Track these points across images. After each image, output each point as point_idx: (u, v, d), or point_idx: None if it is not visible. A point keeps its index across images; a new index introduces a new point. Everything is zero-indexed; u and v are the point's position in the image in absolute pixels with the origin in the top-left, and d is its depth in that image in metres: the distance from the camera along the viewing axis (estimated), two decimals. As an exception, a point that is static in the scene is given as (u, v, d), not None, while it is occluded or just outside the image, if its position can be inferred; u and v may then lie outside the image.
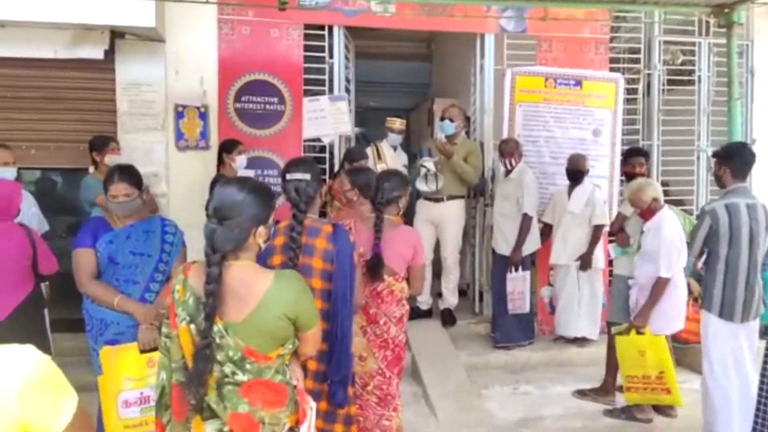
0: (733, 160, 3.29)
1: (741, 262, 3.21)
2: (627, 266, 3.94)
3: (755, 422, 2.71)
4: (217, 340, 1.66)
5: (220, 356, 1.67)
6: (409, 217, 5.29)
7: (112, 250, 2.70)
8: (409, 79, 9.10)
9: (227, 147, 4.27)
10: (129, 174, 2.76)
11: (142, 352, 2.66)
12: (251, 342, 1.67)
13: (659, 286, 3.55)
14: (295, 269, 2.23)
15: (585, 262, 4.60)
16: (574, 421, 3.87)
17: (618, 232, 4.14)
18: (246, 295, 1.68)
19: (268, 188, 1.85)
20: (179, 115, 4.62)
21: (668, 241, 3.54)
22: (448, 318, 5.07)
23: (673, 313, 3.69)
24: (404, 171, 5.26)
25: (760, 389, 2.67)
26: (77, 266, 2.70)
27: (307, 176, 2.40)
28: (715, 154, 3.49)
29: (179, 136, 4.63)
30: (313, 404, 1.85)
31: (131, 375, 2.60)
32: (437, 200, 4.94)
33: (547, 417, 3.92)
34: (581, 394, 4.19)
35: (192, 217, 4.44)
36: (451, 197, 4.94)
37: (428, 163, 4.82)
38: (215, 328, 1.66)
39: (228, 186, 1.76)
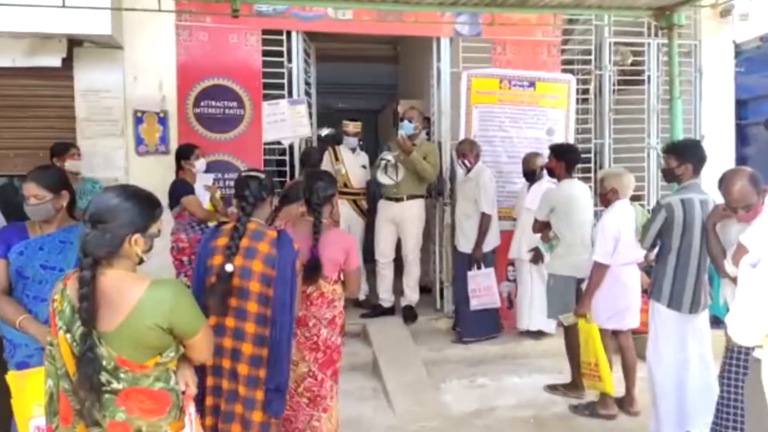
0: (693, 156, 3.41)
1: (692, 255, 3.31)
2: (556, 264, 4.10)
3: (715, 421, 2.78)
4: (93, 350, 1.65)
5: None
6: (371, 217, 5.43)
7: (22, 263, 2.42)
8: (377, 81, 9.21)
9: (184, 152, 4.36)
10: (42, 174, 2.49)
11: None
12: (123, 352, 1.66)
13: (593, 271, 3.69)
14: (233, 270, 2.29)
15: (536, 255, 4.73)
16: (525, 410, 4.00)
17: (540, 230, 4.28)
18: (118, 304, 1.66)
19: (152, 197, 1.81)
20: (138, 121, 4.69)
21: (604, 228, 3.68)
22: (409, 314, 5.20)
23: (615, 307, 3.77)
24: (364, 172, 5.41)
25: (724, 386, 2.73)
26: None
27: (261, 175, 2.48)
28: (671, 150, 3.55)
29: (139, 141, 4.70)
30: (193, 411, 1.83)
31: (41, 401, 2.29)
32: (398, 200, 5.09)
33: (500, 407, 4.06)
34: (552, 388, 4.27)
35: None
36: (411, 197, 5.09)
37: (388, 156, 5.00)
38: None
39: (108, 191, 1.75)
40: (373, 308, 5.28)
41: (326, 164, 5.40)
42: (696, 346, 3.40)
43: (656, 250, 3.52)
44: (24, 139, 4.56)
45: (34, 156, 4.52)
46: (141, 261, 1.77)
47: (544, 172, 4.76)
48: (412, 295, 5.25)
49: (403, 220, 5.12)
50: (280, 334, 2.33)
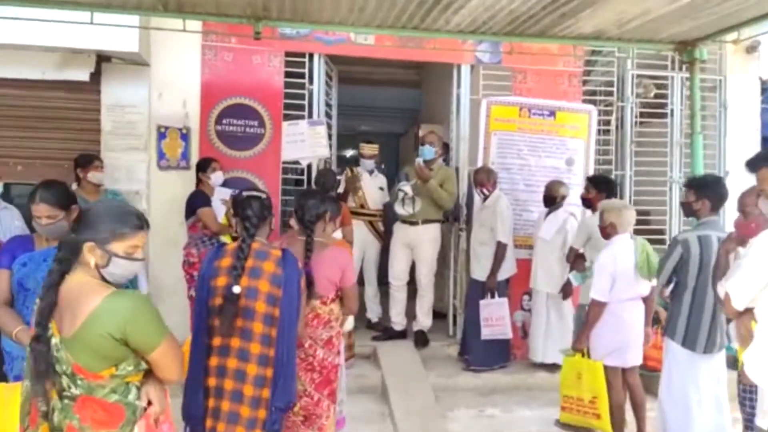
0: (713, 192, 3.35)
1: (708, 293, 3.22)
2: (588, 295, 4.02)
3: None
4: (55, 353, 1.69)
5: (58, 368, 1.69)
6: (387, 239, 5.43)
7: (24, 274, 2.40)
8: (401, 105, 9.27)
9: (202, 166, 4.46)
10: (52, 193, 2.48)
11: None
12: (79, 359, 1.67)
13: (591, 308, 3.63)
14: (239, 291, 2.28)
15: (566, 289, 4.65)
16: (533, 444, 3.92)
17: (574, 260, 4.23)
18: (76, 310, 1.68)
19: (131, 215, 1.83)
20: (161, 136, 4.79)
21: (600, 264, 3.62)
22: (420, 339, 5.15)
23: (613, 343, 3.65)
24: (382, 194, 5.41)
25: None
26: None
27: (262, 195, 2.50)
28: (690, 185, 3.50)
29: (161, 155, 4.79)
30: (143, 428, 1.78)
31: None
32: (413, 223, 5.05)
33: (508, 440, 3.98)
34: (563, 425, 4.09)
35: (172, 234, 4.62)
36: (426, 221, 5.05)
37: (405, 187, 4.95)
38: (53, 341, 1.69)
39: (101, 200, 1.84)
40: (384, 331, 5.25)
41: (343, 185, 5.45)
42: (710, 387, 3.30)
43: (671, 286, 3.46)
44: (50, 149, 4.70)
45: (59, 166, 4.65)
46: (103, 277, 1.77)
47: (564, 201, 4.74)
48: (425, 320, 5.20)
49: (418, 244, 5.09)
50: (287, 353, 2.33)
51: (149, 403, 1.79)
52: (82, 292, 1.70)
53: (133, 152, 4.74)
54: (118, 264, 1.78)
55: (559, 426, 4.15)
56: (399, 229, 5.17)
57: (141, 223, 1.83)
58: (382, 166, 5.76)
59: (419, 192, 4.97)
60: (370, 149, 5.46)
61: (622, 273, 3.58)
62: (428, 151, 5.01)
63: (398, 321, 5.21)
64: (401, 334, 5.20)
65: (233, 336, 2.33)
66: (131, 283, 4.30)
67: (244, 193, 2.56)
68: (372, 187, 5.43)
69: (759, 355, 2.08)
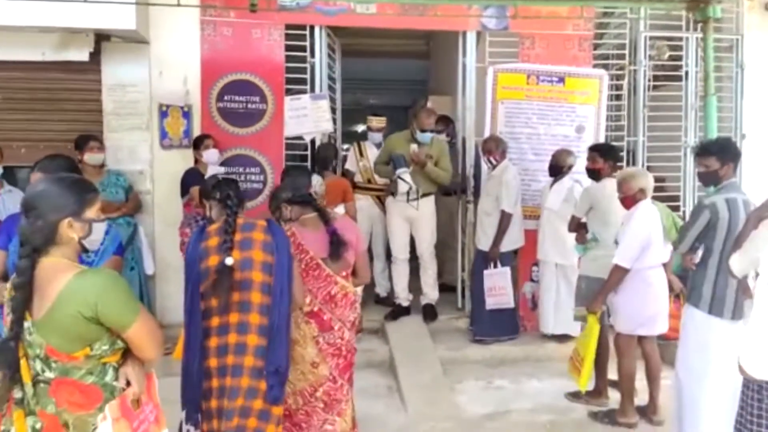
0: (733, 154, 3.24)
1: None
2: (590, 266, 3.95)
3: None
4: (27, 337, 1.66)
5: (31, 353, 1.67)
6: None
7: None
8: (409, 77, 9.17)
9: (196, 143, 4.44)
10: (51, 165, 2.57)
11: None
12: (51, 340, 1.65)
13: (613, 273, 3.53)
14: (233, 263, 2.27)
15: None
16: (541, 415, 3.89)
17: (576, 230, 4.14)
18: (46, 291, 1.66)
19: (83, 181, 1.82)
20: (163, 115, 4.76)
21: (632, 230, 3.50)
22: (429, 313, 5.13)
23: (645, 313, 3.59)
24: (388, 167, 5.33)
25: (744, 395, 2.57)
26: None
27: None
28: (708, 152, 3.28)
29: (163, 134, 4.77)
30: (108, 414, 1.72)
31: None
32: (411, 200, 4.91)
33: (516, 411, 3.95)
34: (574, 396, 4.10)
35: (176, 213, 4.62)
36: (423, 195, 4.95)
37: (405, 176, 4.72)
38: (25, 325, 1.66)
39: (40, 180, 1.76)
40: (393, 309, 5.18)
41: (351, 160, 5.45)
42: (735, 357, 3.17)
43: (699, 253, 3.32)
44: (53, 131, 4.70)
45: (62, 148, 4.60)
46: (84, 249, 1.76)
47: (570, 171, 4.63)
48: (431, 292, 5.17)
49: (416, 218, 5.00)
50: (279, 319, 2.31)
51: (128, 383, 1.77)
52: (51, 273, 1.67)
53: (135, 132, 4.72)
54: (95, 228, 1.79)
55: (569, 397, 4.13)
56: (395, 205, 5.03)
57: (92, 185, 1.85)
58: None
59: (417, 175, 4.83)
60: (378, 122, 5.39)
61: (655, 239, 3.51)
62: (426, 137, 4.88)
63: (404, 296, 5.16)
64: (406, 310, 5.15)
65: (231, 312, 2.31)
66: (137, 264, 4.35)
67: (218, 178, 2.61)
68: None
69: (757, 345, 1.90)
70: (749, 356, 1.81)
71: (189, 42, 4.77)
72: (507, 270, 4.75)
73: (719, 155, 3.22)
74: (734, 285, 3.08)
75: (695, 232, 3.19)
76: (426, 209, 5.00)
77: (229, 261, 2.28)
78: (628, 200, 3.63)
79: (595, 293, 3.68)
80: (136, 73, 4.71)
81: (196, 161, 4.51)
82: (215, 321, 2.33)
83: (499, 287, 4.71)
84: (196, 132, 4.79)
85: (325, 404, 2.76)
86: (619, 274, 3.53)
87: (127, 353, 1.78)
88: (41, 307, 1.65)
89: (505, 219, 4.67)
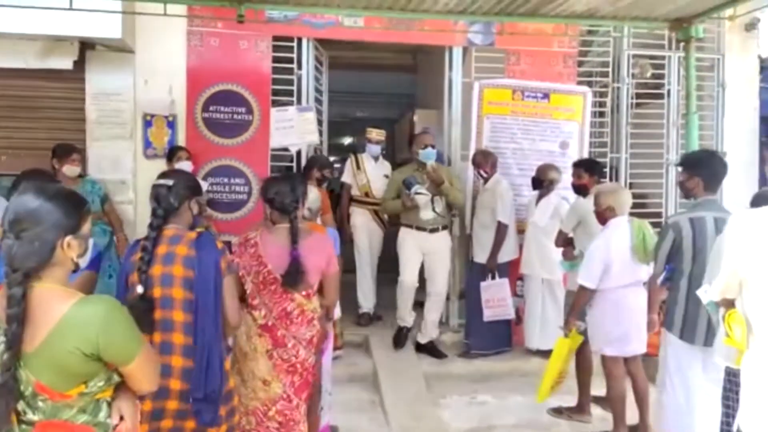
0: (704, 170, 3.10)
1: (705, 280, 3.05)
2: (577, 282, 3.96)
3: None
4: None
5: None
6: (391, 228, 5.26)
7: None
8: (396, 90, 9.20)
9: (169, 155, 4.42)
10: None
11: None
12: (42, 376, 1.44)
13: (578, 294, 3.52)
14: (148, 280, 2.15)
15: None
16: (524, 431, 3.89)
17: (563, 246, 4.16)
18: (40, 322, 1.44)
19: (75, 194, 1.64)
20: (147, 124, 4.72)
21: (591, 250, 3.48)
22: (435, 351, 4.88)
23: (613, 333, 3.52)
24: (386, 181, 5.18)
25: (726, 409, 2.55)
26: None
27: (170, 182, 2.31)
28: (682, 163, 3.29)
29: (147, 144, 4.74)
30: None
31: None
32: (432, 231, 4.73)
33: (499, 426, 3.94)
34: (556, 412, 4.10)
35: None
36: (444, 227, 4.82)
37: (422, 191, 4.56)
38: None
39: (24, 194, 1.51)
40: (397, 335, 4.88)
41: (348, 173, 5.39)
42: (711, 382, 3.03)
43: (663, 274, 3.30)
44: (35, 140, 4.62)
45: (45, 156, 4.55)
46: (77, 267, 1.58)
47: (553, 185, 4.66)
48: (432, 331, 4.91)
49: (435, 251, 4.76)
50: (203, 339, 2.16)
51: (121, 418, 1.60)
52: (45, 302, 1.47)
53: (118, 141, 4.67)
54: (89, 244, 1.63)
55: (551, 413, 4.12)
56: (413, 236, 4.75)
57: (82, 196, 1.67)
58: (384, 152, 5.59)
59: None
60: (378, 134, 5.35)
61: (617, 258, 3.42)
62: (430, 153, 4.66)
63: (409, 319, 4.90)
64: (409, 331, 4.94)
65: (154, 331, 2.18)
66: (115, 272, 4.26)
67: (154, 182, 2.40)
68: (376, 175, 5.28)
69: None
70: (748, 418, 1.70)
71: (175, 51, 4.75)
72: (505, 281, 4.75)
73: (686, 167, 3.17)
74: (706, 310, 3.01)
75: (663, 252, 3.12)
76: (442, 243, 4.80)
77: (139, 289, 2.15)
78: (599, 216, 3.61)
79: (567, 316, 3.69)
80: (121, 82, 4.67)
81: None
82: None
83: (498, 299, 4.71)
84: (181, 142, 4.76)
85: (280, 425, 2.62)
86: (583, 294, 3.49)
87: (119, 385, 1.61)
88: (33, 340, 1.44)
89: (501, 230, 4.68)
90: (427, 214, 4.62)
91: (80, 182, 4.24)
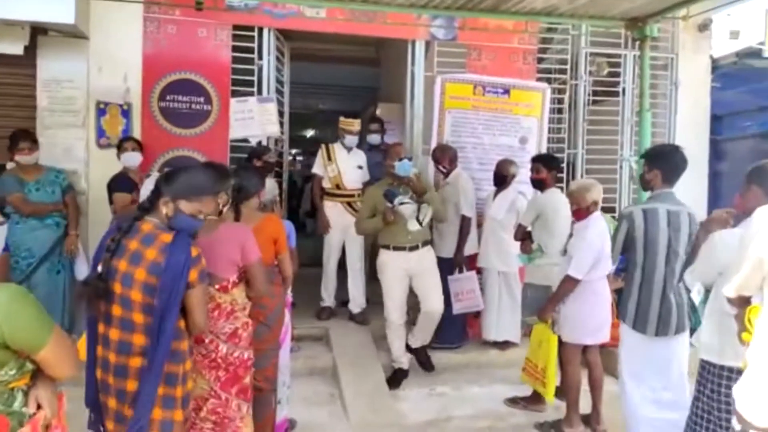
0: (665, 163, 3.14)
1: (657, 272, 3.08)
2: (535, 274, 4.04)
3: None
4: None
5: None
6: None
7: None
8: (359, 83, 9.17)
9: (118, 146, 4.32)
10: None
11: None
12: None
13: (564, 284, 3.52)
14: (111, 270, 2.08)
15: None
16: (481, 421, 3.93)
17: (522, 239, 4.22)
18: None
19: None
20: (101, 113, 4.60)
21: (588, 242, 3.47)
22: (425, 363, 4.62)
23: (592, 323, 3.59)
24: (361, 172, 5.11)
25: (695, 408, 2.56)
26: None
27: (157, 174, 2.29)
28: (644, 156, 3.35)
29: (100, 133, 4.61)
30: None
31: None
32: (413, 249, 4.21)
33: (457, 417, 3.98)
34: (512, 402, 4.17)
35: (111, 215, 4.45)
36: (426, 242, 4.31)
37: (407, 200, 4.07)
38: None
39: None
40: (393, 377, 4.44)
41: (318, 164, 5.13)
42: (666, 373, 3.14)
43: (616, 265, 3.41)
44: (-18, 127, 4.45)
45: (-9, 143, 4.43)
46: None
47: (514, 180, 4.73)
48: (425, 338, 4.54)
49: (421, 271, 4.25)
50: (154, 354, 2.03)
51: (39, 407, 1.58)
52: None
53: (70, 129, 4.53)
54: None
55: (508, 403, 4.20)
56: (393, 258, 4.23)
57: None
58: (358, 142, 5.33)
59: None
60: (358, 125, 5.11)
61: (606, 251, 3.47)
62: (407, 166, 4.11)
63: (403, 359, 4.44)
64: (407, 373, 4.49)
65: (112, 326, 2.11)
66: (63, 268, 4.16)
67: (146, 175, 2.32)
68: (349, 166, 5.05)
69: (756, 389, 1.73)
70: (748, 402, 1.68)
71: (131, 38, 4.63)
72: (473, 274, 4.77)
73: (648, 160, 3.23)
74: (657, 301, 3.06)
75: (619, 243, 3.18)
76: (427, 260, 4.31)
77: (99, 269, 2.08)
78: (582, 212, 3.62)
79: (545, 302, 3.70)
80: (74, 69, 4.53)
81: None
82: (101, 328, 2.15)
83: (467, 291, 4.71)
84: (136, 131, 4.65)
85: (215, 423, 2.52)
86: (570, 285, 3.52)
87: (37, 373, 1.59)
88: None
89: (466, 223, 4.68)
90: (413, 225, 4.11)
91: (44, 171, 4.13)
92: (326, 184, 5.08)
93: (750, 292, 1.80)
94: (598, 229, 3.53)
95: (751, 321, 1.75)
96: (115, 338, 2.10)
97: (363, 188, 5.07)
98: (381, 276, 4.32)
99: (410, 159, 4.22)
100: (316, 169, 5.17)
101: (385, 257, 4.27)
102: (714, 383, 2.43)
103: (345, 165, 5.06)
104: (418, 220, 4.07)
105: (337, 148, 5.09)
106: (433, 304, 4.29)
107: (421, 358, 4.58)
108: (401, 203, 4.04)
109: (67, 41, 4.51)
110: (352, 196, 5.05)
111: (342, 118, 5.15)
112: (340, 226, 5.02)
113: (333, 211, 5.04)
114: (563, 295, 3.58)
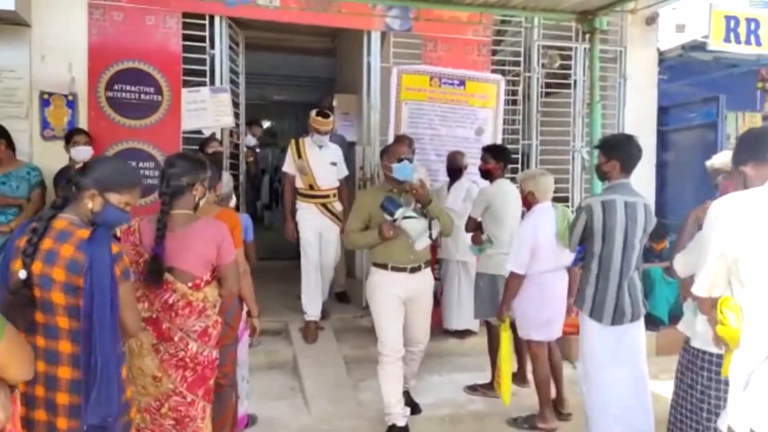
0: (622, 152, 3.15)
1: (614, 262, 3.10)
2: (487, 264, 4.10)
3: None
4: None
5: None
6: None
7: None
8: (315, 74, 9.09)
9: (66, 138, 4.16)
10: None
11: None
12: None
13: (509, 281, 3.58)
14: (30, 279, 1.91)
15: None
16: (441, 409, 3.98)
17: (473, 231, 4.27)
18: None
19: None
20: (45, 103, 4.40)
21: (518, 236, 3.57)
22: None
23: (539, 318, 3.63)
24: (335, 169, 4.84)
25: (690, 398, 2.61)
26: None
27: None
28: (599, 146, 3.33)
29: (45, 125, 4.41)
30: None
31: None
32: (414, 270, 3.49)
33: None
34: (472, 389, 4.22)
35: (58, 210, 4.27)
36: (427, 263, 3.63)
37: (412, 213, 3.36)
38: None
39: None
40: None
41: (288, 161, 4.80)
42: (625, 361, 3.17)
43: (575, 255, 3.48)
44: None
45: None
46: None
47: (465, 171, 4.77)
48: (410, 379, 3.96)
49: (416, 298, 3.55)
50: (102, 354, 1.89)
51: None
52: None
53: (13, 121, 4.30)
54: None
55: (467, 391, 4.26)
56: (390, 280, 3.47)
57: None
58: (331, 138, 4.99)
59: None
60: (327, 123, 4.66)
61: (544, 243, 3.51)
62: (407, 169, 3.40)
63: (399, 412, 3.58)
64: (404, 430, 3.60)
65: (37, 334, 1.95)
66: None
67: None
68: (321, 164, 4.73)
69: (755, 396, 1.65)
70: (738, 410, 1.65)
71: (75, 26, 4.44)
72: None
73: (604, 150, 3.23)
74: (613, 290, 3.10)
75: (576, 234, 3.21)
76: (427, 285, 3.63)
77: (22, 274, 1.90)
78: (524, 202, 3.74)
79: (498, 303, 3.73)
80: (15, 58, 4.32)
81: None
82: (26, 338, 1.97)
83: None
84: (82, 122, 4.47)
85: (176, 421, 2.43)
86: (515, 280, 3.56)
87: None
88: None
89: None
90: (421, 243, 3.38)
91: (18, 166, 4.00)
92: (299, 184, 4.75)
93: (719, 291, 1.79)
94: (533, 222, 3.58)
95: (723, 312, 1.72)
96: (41, 346, 1.95)
97: (340, 186, 4.86)
98: (371, 300, 3.60)
99: (411, 161, 3.50)
100: (287, 167, 4.81)
101: (380, 278, 3.51)
102: (712, 372, 2.51)
103: (315, 162, 4.70)
104: (430, 237, 3.39)
105: (307, 144, 4.74)
106: (419, 335, 3.65)
107: (406, 399, 3.81)
108: (405, 217, 3.31)
109: (8, 29, 4.30)
110: (327, 196, 4.78)
111: (313, 115, 4.71)
112: (315, 230, 4.73)
113: (307, 213, 4.74)
114: (512, 292, 3.61)
